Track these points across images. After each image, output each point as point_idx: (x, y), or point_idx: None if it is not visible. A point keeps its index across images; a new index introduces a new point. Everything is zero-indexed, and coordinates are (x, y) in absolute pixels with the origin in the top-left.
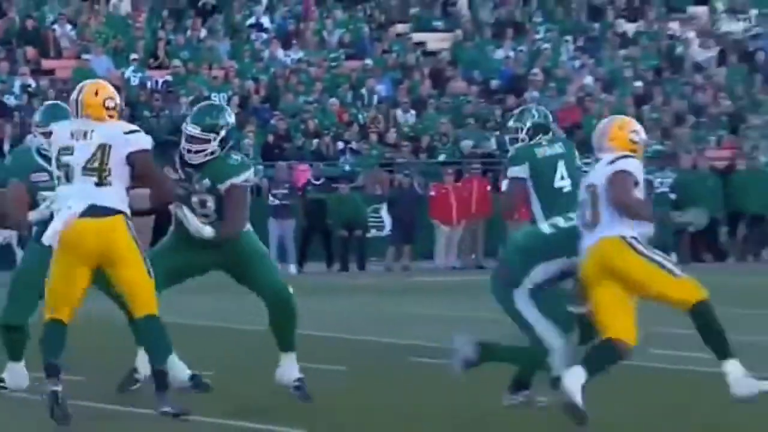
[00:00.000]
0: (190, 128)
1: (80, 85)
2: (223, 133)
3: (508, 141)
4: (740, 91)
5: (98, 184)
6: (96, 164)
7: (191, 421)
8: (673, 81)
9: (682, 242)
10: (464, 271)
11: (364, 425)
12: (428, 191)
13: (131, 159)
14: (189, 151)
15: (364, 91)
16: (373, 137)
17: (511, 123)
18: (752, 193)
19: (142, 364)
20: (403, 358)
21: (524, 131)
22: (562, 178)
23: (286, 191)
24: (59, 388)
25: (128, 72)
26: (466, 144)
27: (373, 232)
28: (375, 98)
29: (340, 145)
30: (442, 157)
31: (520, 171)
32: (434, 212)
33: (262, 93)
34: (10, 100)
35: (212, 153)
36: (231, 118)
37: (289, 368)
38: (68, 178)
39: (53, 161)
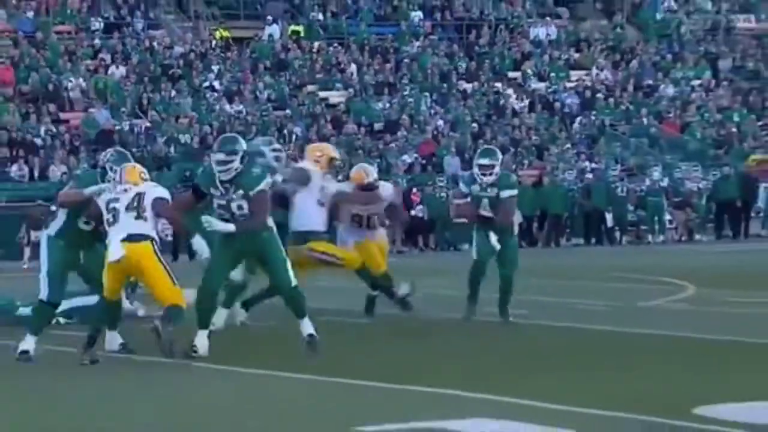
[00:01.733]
0: (219, 155)
1: (123, 165)
2: (240, 153)
3: (481, 174)
4: (543, 130)
5: (137, 218)
6: (135, 204)
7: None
8: (498, 123)
9: None
10: None
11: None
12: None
13: (154, 202)
14: (220, 171)
15: (285, 132)
16: None
17: (485, 161)
18: (553, 199)
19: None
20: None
21: (498, 166)
22: None
23: None
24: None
25: (120, 121)
26: None
27: None
28: (293, 137)
29: None
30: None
31: (514, 192)
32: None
33: (215, 134)
34: (38, 141)
35: (236, 169)
36: (244, 145)
37: (302, 327)
38: (115, 219)
39: (104, 209)
